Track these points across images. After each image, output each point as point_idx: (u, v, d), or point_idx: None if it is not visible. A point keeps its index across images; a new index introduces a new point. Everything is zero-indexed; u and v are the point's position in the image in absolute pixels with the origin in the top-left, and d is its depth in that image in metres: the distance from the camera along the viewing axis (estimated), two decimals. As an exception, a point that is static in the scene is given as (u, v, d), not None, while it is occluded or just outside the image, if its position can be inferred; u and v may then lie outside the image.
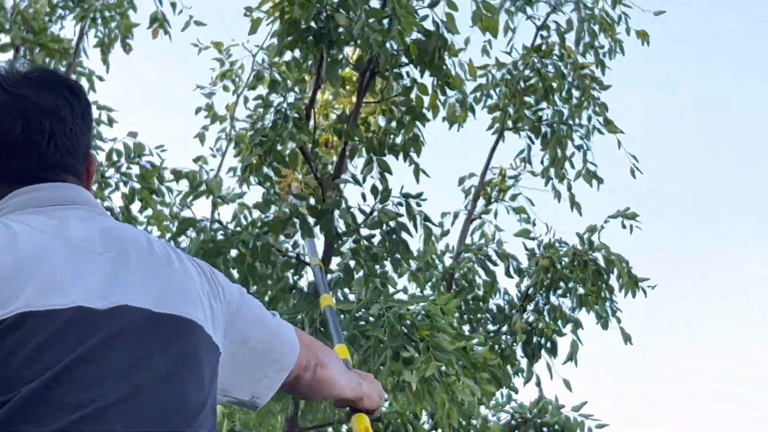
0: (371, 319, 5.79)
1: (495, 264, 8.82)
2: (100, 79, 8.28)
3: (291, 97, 6.46)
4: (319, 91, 6.51)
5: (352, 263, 6.69)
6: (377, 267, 6.56)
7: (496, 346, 8.65)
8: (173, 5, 8.00)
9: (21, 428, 1.34)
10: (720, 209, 15.19)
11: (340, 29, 5.86)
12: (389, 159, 6.52)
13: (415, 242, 6.91)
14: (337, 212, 6.20)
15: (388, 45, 6.05)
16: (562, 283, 8.66)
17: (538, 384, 8.70)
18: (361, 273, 6.49)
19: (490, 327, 8.89)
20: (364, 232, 6.42)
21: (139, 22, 8.26)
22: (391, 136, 6.59)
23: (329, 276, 6.56)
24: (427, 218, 6.49)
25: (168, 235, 7.08)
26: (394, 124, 6.62)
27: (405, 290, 8.17)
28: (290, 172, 6.63)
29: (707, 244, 15.35)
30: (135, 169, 7.37)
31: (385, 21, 5.94)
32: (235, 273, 6.29)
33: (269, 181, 6.38)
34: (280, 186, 6.63)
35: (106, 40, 8.17)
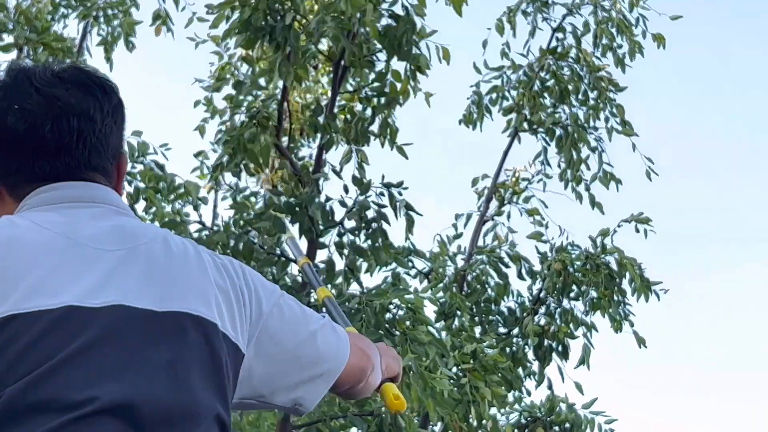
0: (351, 313, 5.79)
1: (507, 266, 8.79)
2: None
3: (262, 96, 6.48)
4: (292, 85, 6.52)
5: (336, 257, 6.70)
6: (361, 260, 6.56)
7: (508, 349, 8.61)
8: (176, 2, 7.89)
9: (9, 431, 1.33)
10: (740, 210, 14.95)
11: (294, 25, 5.89)
12: (373, 148, 6.52)
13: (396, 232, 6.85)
14: (310, 207, 6.20)
15: (362, 31, 6.06)
16: (574, 287, 8.60)
17: (550, 387, 8.65)
18: (344, 267, 6.49)
19: (502, 329, 8.86)
20: (349, 225, 6.43)
21: (141, 20, 8.29)
22: (365, 123, 6.57)
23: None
24: (408, 206, 6.46)
25: None
26: (369, 112, 6.62)
27: (415, 291, 8.17)
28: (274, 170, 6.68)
29: (726, 246, 15.13)
30: (140, 168, 7.48)
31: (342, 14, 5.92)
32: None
33: (238, 177, 6.42)
34: (264, 180, 6.67)
35: (109, 38, 8.19)
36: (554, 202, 8.96)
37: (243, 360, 1.57)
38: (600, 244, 8.58)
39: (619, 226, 8.61)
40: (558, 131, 8.78)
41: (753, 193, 15.09)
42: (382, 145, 6.60)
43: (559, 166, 8.88)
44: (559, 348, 8.65)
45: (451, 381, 6.43)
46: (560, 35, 8.87)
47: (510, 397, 8.46)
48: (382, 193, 6.35)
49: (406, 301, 5.88)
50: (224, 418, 1.49)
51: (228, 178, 6.69)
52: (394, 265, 7.96)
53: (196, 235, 6.45)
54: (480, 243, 9.00)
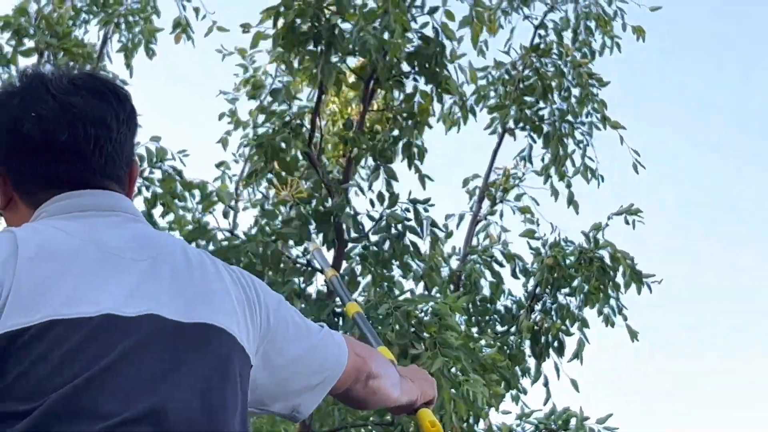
0: (380, 318, 5.79)
1: (501, 265, 8.82)
2: (124, 83, 8.26)
3: (295, 106, 6.48)
4: (326, 98, 6.52)
5: (358, 268, 6.70)
6: (385, 271, 6.57)
7: (504, 347, 8.63)
8: (196, 10, 7.99)
9: None
10: (730, 202, 15.20)
11: (336, 32, 5.88)
12: (395, 165, 6.56)
13: (422, 248, 6.89)
14: (341, 216, 6.20)
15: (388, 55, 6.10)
16: (567, 282, 8.65)
17: (546, 384, 8.67)
18: (369, 278, 6.49)
19: (498, 328, 8.88)
20: (373, 238, 6.44)
21: (162, 27, 8.28)
22: (392, 144, 6.60)
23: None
24: (434, 223, 6.52)
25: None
26: (397, 132, 6.65)
27: (412, 292, 8.17)
28: (296, 179, 6.62)
29: (718, 238, 15.36)
30: (157, 174, 7.43)
31: (378, 23, 5.95)
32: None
33: (273, 187, 6.40)
34: (288, 190, 6.61)
35: (129, 44, 8.19)
36: (546, 199, 9.01)
37: (251, 370, 1.59)
38: (593, 239, 8.63)
39: (609, 218, 8.67)
40: (545, 127, 8.82)
41: (743, 181, 15.33)
42: (409, 166, 6.64)
43: (542, 160, 8.93)
44: (555, 344, 8.68)
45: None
46: (542, 32, 8.92)
47: (508, 397, 8.49)
48: (407, 209, 6.40)
49: (433, 308, 5.88)
50: (245, 428, 1.52)
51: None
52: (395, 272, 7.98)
53: (225, 243, 6.38)
54: (473, 243, 9.01)
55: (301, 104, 6.56)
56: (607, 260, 8.53)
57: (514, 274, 8.83)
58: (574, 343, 8.59)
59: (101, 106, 1.62)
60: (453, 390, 5.61)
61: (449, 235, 9.05)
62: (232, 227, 6.56)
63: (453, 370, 5.68)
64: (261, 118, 6.75)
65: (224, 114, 7.57)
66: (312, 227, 6.21)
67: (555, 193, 8.97)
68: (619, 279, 8.56)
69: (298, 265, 6.37)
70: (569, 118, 8.77)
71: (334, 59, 6.05)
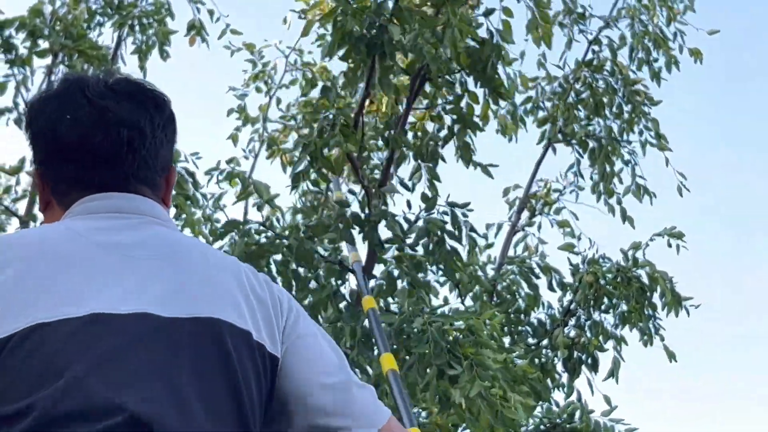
0: (414, 331, 5.78)
1: (538, 277, 8.79)
2: None
3: (340, 104, 6.44)
4: (377, 95, 6.49)
5: (395, 272, 6.67)
6: (421, 275, 6.54)
7: (537, 360, 8.62)
8: (211, 13, 8.05)
9: None
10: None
11: (393, 40, 5.84)
12: (441, 167, 6.50)
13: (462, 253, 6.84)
14: (383, 222, 6.18)
15: (441, 51, 6.03)
16: (605, 299, 8.62)
17: (579, 399, 8.66)
18: (404, 282, 6.46)
19: (531, 340, 8.87)
20: (408, 240, 6.40)
21: (176, 30, 8.31)
22: (439, 144, 6.55)
23: (372, 282, 6.54)
24: (472, 228, 6.46)
25: (204, 241, 7.07)
26: (443, 132, 6.58)
27: (446, 300, 8.16)
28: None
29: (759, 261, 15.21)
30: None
31: (439, 29, 5.90)
32: (278, 278, 6.30)
33: (317, 186, 6.40)
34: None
35: (143, 47, 8.20)
36: (585, 215, 8.98)
37: (279, 365, 1.58)
38: (632, 258, 8.59)
39: (651, 239, 8.62)
40: (591, 143, 8.78)
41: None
42: (467, 166, 6.56)
43: (591, 178, 8.90)
44: (589, 360, 8.67)
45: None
46: (596, 48, 8.87)
47: (539, 410, 8.49)
48: (445, 212, 6.35)
49: (468, 325, 5.85)
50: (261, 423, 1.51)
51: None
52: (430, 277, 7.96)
53: (262, 238, 6.36)
54: (510, 253, 8.99)
55: (347, 101, 6.51)
56: (645, 280, 8.50)
57: (550, 287, 8.81)
58: (607, 360, 8.58)
59: (137, 111, 1.64)
60: (491, 415, 5.59)
61: (489, 245, 9.06)
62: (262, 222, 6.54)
63: (493, 391, 5.65)
64: (291, 114, 6.69)
65: (233, 110, 7.56)
66: (355, 231, 6.19)
67: (611, 209, 8.93)
68: (656, 299, 8.54)
69: (330, 263, 6.35)
70: (615, 134, 8.73)
71: (388, 63, 5.99)
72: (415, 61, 6.16)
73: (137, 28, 8.27)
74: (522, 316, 8.85)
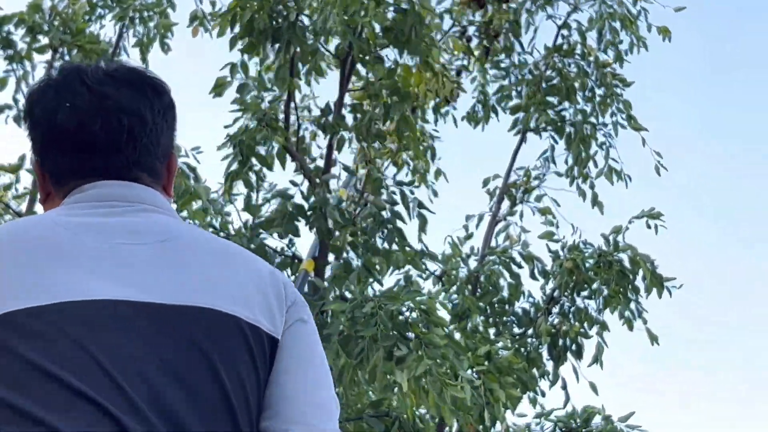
0: (365, 316, 5.75)
1: (520, 266, 8.75)
2: None
3: (269, 97, 6.42)
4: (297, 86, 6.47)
5: (352, 257, 6.65)
6: (375, 260, 6.50)
7: (522, 350, 8.57)
8: (213, 4, 7.89)
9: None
10: (753, 203, 14.90)
11: (297, 26, 5.85)
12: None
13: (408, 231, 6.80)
14: (327, 209, 6.15)
15: (367, 28, 6.01)
16: (586, 285, 8.56)
17: (564, 387, 8.59)
18: (356, 268, 6.43)
19: (516, 330, 8.82)
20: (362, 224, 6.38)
21: (177, 22, 8.30)
22: (377, 122, 6.51)
23: (327, 273, 6.53)
24: (421, 205, 6.42)
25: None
26: (380, 109, 6.55)
27: (428, 294, 8.11)
28: None
29: (739, 241, 15.09)
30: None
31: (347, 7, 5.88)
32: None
33: (250, 187, 6.38)
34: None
35: (145, 39, 8.21)
36: (566, 201, 8.93)
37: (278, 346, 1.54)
38: (613, 242, 8.53)
39: (630, 222, 8.55)
40: (567, 129, 8.73)
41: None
42: (399, 141, 6.54)
43: (566, 162, 8.84)
44: (573, 347, 8.60)
45: (471, 383, 6.38)
46: (565, 32, 8.83)
47: (525, 399, 8.42)
48: (393, 192, 6.32)
49: (419, 303, 5.82)
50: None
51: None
52: (407, 267, 7.93)
53: None
54: (492, 244, 8.95)
55: (275, 94, 6.48)
56: (627, 264, 8.42)
57: (532, 276, 8.76)
58: (592, 346, 8.50)
59: (136, 98, 1.63)
60: (437, 392, 5.55)
61: (469, 236, 9.02)
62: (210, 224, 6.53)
63: (439, 365, 5.61)
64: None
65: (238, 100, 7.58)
66: (299, 221, 6.17)
67: (582, 194, 8.89)
68: (639, 282, 8.47)
69: (284, 258, 6.35)
70: (592, 119, 8.68)
71: (308, 41, 5.98)
72: (342, 44, 6.14)
73: (138, 21, 8.31)
74: (506, 306, 8.81)
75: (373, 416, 6.50)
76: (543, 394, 8.53)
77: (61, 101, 1.61)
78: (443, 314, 6.13)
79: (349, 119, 6.60)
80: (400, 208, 6.37)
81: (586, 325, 8.55)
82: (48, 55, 7.72)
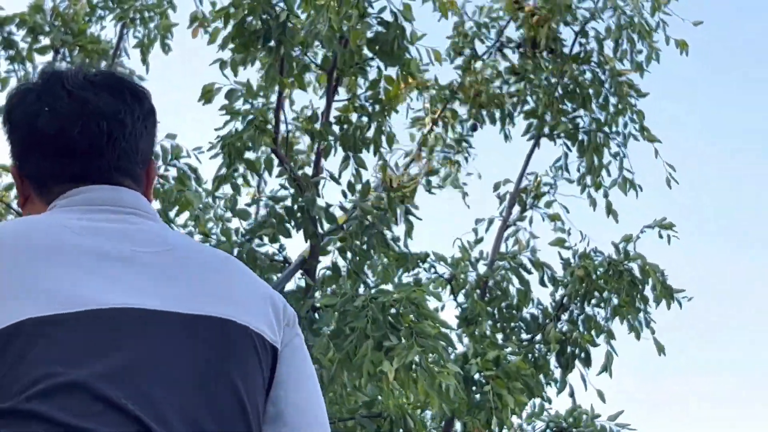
0: (356, 310, 5.78)
1: (529, 272, 8.74)
2: (141, 79, 8.36)
3: (257, 103, 6.49)
4: (287, 93, 6.55)
5: (340, 261, 6.72)
6: (366, 263, 6.56)
7: (530, 355, 8.55)
8: (213, 5, 7.89)
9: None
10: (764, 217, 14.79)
11: (287, 28, 5.93)
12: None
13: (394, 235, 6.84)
14: (313, 211, 6.22)
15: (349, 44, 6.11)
16: (596, 293, 8.53)
17: (572, 394, 8.57)
18: (345, 270, 6.49)
19: (524, 336, 8.80)
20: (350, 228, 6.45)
21: (177, 22, 8.33)
22: (362, 131, 6.57)
23: (318, 275, 6.60)
24: (408, 210, 6.48)
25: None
26: (365, 119, 6.63)
27: (417, 283, 8.10)
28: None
29: (749, 256, 14.97)
30: (173, 172, 7.50)
31: (332, 15, 5.96)
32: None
33: (237, 191, 6.45)
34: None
35: (145, 40, 8.26)
36: (577, 208, 8.91)
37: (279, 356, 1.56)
38: (623, 251, 8.50)
39: (642, 231, 8.53)
40: (581, 136, 8.73)
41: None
42: (375, 152, 6.65)
43: (578, 170, 8.83)
44: (582, 355, 8.57)
45: (472, 382, 6.40)
46: (583, 40, 8.84)
47: (532, 405, 8.41)
48: (380, 197, 6.38)
49: (410, 297, 5.85)
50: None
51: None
52: (416, 270, 7.97)
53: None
54: (502, 249, 8.95)
55: (263, 101, 6.56)
56: (637, 273, 8.40)
57: (542, 282, 8.75)
58: (600, 354, 8.48)
59: (116, 103, 1.64)
60: (426, 381, 5.58)
61: (479, 240, 9.03)
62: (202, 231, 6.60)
63: (429, 355, 5.64)
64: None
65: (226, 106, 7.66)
66: (291, 224, 6.24)
67: (593, 203, 8.87)
68: (648, 292, 8.44)
69: (274, 262, 6.41)
70: (605, 128, 8.67)
71: (294, 53, 6.07)
72: (328, 55, 6.24)
73: (138, 21, 8.35)
74: (514, 311, 8.80)
75: (365, 416, 6.54)
76: (550, 401, 8.53)
77: (42, 105, 1.62)
78: (449, 313, 6.15)
79: (336, 128, 6.67)
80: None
81: (594, 333, 8.53)
82: (49, 56, 7.78)
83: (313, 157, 6.67)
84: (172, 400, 1.38)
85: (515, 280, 8.76)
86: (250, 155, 6.32)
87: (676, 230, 8.53)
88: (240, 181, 6.49)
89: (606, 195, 8.74)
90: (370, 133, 6.65)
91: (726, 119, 14.37)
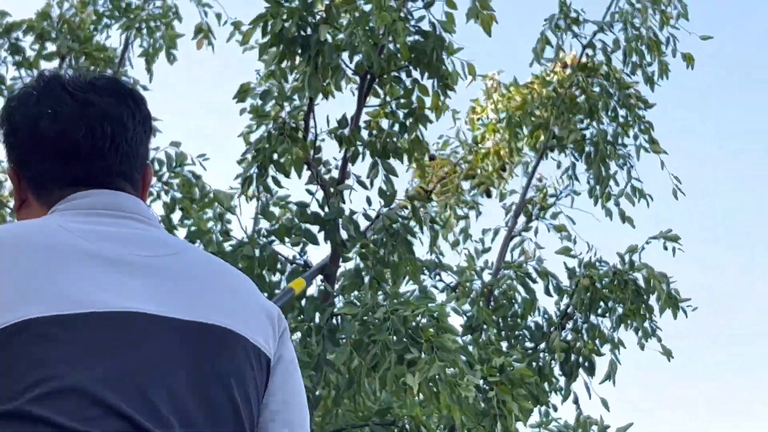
0: (376, 321, 5.83)
1: (534, 281, 8.81)
2: (145, 88, 8.31)
3: (288, 107, 6.52)
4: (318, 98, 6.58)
5: (361, 266, 6.74)
6: (386, 271, 6.59)
7: (534, 364, 8.62)
8: (218, 16, 8.13)
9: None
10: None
11: (325, 39, 5.96)
12: (396, 162, 6.59)
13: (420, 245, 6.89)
14: (340, 220, 6.25)
15: (390, 47, 6.12)
16: (602, 303, 8.60)
17: (576, 402, 8.64)
18: (367, 278, 6.52)
19: (528, 344, 8.87)
20: (373, 236, 6.47)
21: (183, 33, 8.45)
22: (394, 139, 6.61)
23: (338, 283, 6.63)
24: (433, 219, 6.51)
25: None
26: (396, 127, 6.66)
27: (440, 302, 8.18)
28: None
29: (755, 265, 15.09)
30: (177, 178, 7.52)
31: (372, 25, 5.98)
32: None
33: (269, 192, 6.48)
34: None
35: (150, 50, 8.33)
36: (581, 219, 8.99)
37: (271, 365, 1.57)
38: (628, 261, 8.58)
39: (647, 242, 8.60)
40: (588, 148, 8.80)
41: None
42: (410, 160, 6.68)
43: (588, 182, 8.90)
44: (586, 364, 8.64)
45: (477, 388, 6.45)
46: (590, 52, 8.90)
47: (537, 413, 8.47)
48: (405, 206, 6.42)
49: (430, 310, 5.91)
50: None
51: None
52: (423, 277, 8.01)
53: (227, 246, 6.47)
54: (507, 258, 9.02)
55: (295, 104, 6.59)
56: (641, 283, 8.47)
57: (547, 292, 8.82)
58: (604, 363, 8.55)
59: (119, 105, 1.64)
60: (448, 395, 5.64)
61: (486, 250, 9.10)
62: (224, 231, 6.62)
63: (448, 369, 5.70)
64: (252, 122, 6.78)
65: (245, 110, 7.71)
66: (316, 230, 6.28)
67: (608, 213, 8.93)
68: (653, 302, 8.51)
69: (295, 265, 6.44)
70: (610, 138, 8.74)
71: (330, 61, 6.09)
72: (361, 61, 6.26)
73: (144, 31, 8.43)
74: (519, 320, 8.86)
75: (378, 424, 6.57)
76: (555, 409, 8.59)
77: (44, 108, 1.61)
78: (454, 321, 6.20)
79: (365, 134, 6.70)
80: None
81: (598, 342, 8.60)
82: (56, 63, 7.82)
83: (339, 162, 6.68)
84: (171, 405, 1.39)
85: (521, 289, 8.82)
86: (281, 159, 6.34)
87: (681, 243, 8.60)
88: (270, 183, 6.52)
89: (617, 204, 8.81)
90: (401, 144, 6.65)
91: (732, 121, 14.48)
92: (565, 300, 8.76)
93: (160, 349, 1.44)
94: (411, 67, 6.38)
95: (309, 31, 6.08)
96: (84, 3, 8.19)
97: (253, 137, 6.49)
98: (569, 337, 8.67)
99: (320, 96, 6.32)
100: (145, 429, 1.35)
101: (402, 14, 6.13)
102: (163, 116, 8.28)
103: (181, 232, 7.03)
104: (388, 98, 6.54)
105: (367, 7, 6.18)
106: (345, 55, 6.28)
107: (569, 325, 8.74)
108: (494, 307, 8.82)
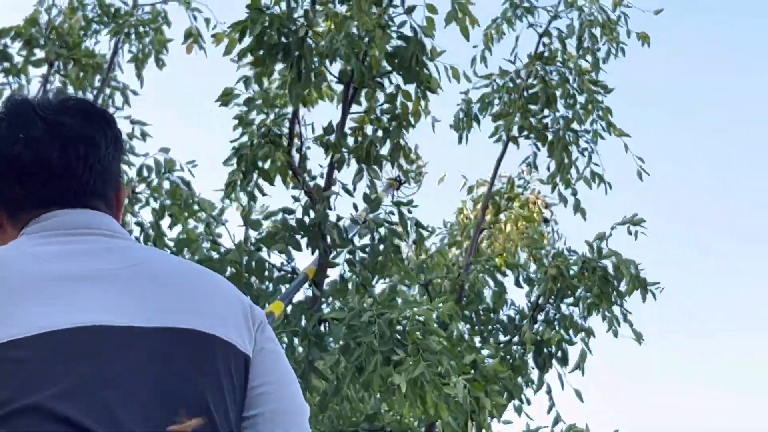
0: (363, 324, 5.79)
1: (504, 274, 8.77)
2: (135, 93, 8.33)
3: (273, 114, 6.48)
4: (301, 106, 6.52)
5: (347, 274, 6.70)
6: (374, 277, 6.56)
7: (507, 357, 8.58)
8: (207, 21, 7.99)
9: None
10: (734, 209, 15.11)
11: (306, 43, 5.93)
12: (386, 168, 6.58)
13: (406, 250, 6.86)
14: (325, 227, 6.21)
15: (371, 53, 6.09)
16: (570, 292, 8.59)
17: (549, 392, 8.61)
18: (355, 284, 6.49)
19: (502, 338, 8.83)
20: (359, 242, 6.45)
21: (173, 38, 8.35)
22: (377, 145, 6.58)
23: (325, 288, 6.58)
24: (419, 224, 6.51)
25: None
26: (380, 133, 6.62)
27: (423, 304, 8.14)
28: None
29: (723, 247, 15.27)
30: (166, 185, 7.49)
31: (354, 30, 5.96)
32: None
33: (253, 199, 6.43)
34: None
35: (140, 55, 8.26)
36: (556, 209, 8.97)
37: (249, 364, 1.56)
38: (597, 249, 8.56)
39: (613, 228, 8.60)
40: (549, 135, 8.77)
41: (747, 190, 15.22)
42: (392, 165, 6.65)
43: (547, 169, 8.88)
44: (559, 354, 8.62)
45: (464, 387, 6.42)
46: (546, 40, 8.88)
47: (510, 407, 8.43)
48: (392, 212, 6.41)
49: (416, 314, 5.87)
50: None
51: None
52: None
53: (213, 254, 6.41)
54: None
55: (279, 111, 6.54)
56: (610, 269, 8.46)
57: (517, 283, 8.79)
58: (576, 352, 8.54)
59: (90, 126, 1.63)
60: (434, 394, 5.60)
61: (454, 243, 9.06)
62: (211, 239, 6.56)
63: (434, 369, 5.66)
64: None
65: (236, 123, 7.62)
66: (300, 237, 6.23)
67: (564, 200, 8.92)
68: (623, 287, 8.50)
69: (283, 272, 6.39)
70: (574, 125, 8.72)
71: (313, 65, 6.04)
72: (345, 67, 6.22)
73: (134, 36, 8.35)
74: (491, 314, 8.82)
75: (368, 430, 6.53)
76: (528, 402, 8.55)
77: (16, 133, 1.60)
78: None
79: (350, 140, 6.66)
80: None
81: (571, 332, 8.57)
82: (44, 69, 7.80)
83: (326, 168, 6.61)
84: (135, 414, 1.38)
85: (491, 283, 8.79)
86: (264, 165, 6.28)
87: (645, 226, 8.61)
88: (254, 190, 6.44)
89: (574, 193, 8.78)
90: (385, 150, 6.61)
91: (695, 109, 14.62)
92: (536, 291, 8.73)
93: (126, 359, 1.43)
94: (394, 73, 6.35)
95: (289, 36, 6.01)
96: (73, 9, 8.14)
97: (238, 143, 6.43)
98: (541, 329, 8.63)
99: (308, 105, 6.25)
100: None
101: (384, 20, 6.08)
102: (152, 121, 8.17)
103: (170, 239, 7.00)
104: (372, 104, 6.48)
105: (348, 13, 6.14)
106: (328, 63, 6.22)
107: (541, 316, 8.71)
108: (465, 302, 8.77)
